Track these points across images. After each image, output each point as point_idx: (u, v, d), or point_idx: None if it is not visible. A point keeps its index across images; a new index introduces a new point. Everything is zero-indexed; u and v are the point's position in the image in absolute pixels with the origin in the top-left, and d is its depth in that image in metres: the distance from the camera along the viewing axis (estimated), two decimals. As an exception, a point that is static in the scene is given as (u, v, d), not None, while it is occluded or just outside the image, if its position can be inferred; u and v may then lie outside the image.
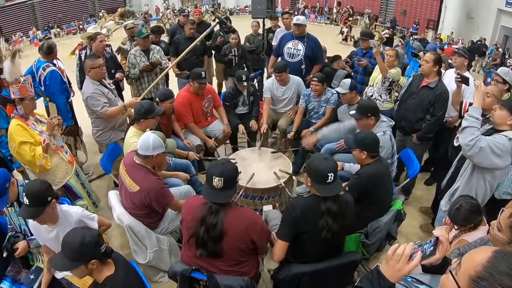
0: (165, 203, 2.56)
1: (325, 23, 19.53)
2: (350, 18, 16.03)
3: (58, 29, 16.92)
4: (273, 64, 4.75)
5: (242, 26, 7.04)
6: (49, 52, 3.74)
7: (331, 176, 1.95)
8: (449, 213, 2.18)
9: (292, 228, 2.04)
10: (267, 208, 2.88)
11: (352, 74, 4.78)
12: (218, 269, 2.03)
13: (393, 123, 3.13)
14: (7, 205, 2.38)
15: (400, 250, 1.19)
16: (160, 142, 2.49)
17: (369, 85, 4.23)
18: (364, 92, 4.31)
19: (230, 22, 5.68)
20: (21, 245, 2.34)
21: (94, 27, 6.90)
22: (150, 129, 2.78)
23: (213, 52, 5.72)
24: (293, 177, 3.31)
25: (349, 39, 14.70)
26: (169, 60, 4.84)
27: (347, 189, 2.54)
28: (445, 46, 9.46)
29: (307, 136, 3.82)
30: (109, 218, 2.64)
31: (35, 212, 2.02)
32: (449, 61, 4.54)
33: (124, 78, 4.56)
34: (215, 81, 6.18)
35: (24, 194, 2.04)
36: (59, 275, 2.28)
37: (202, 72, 3.75)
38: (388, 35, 11.28)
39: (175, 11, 17.44)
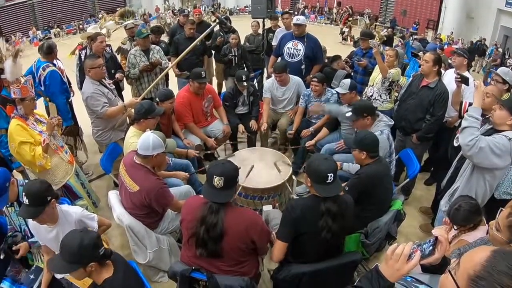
0: (165, 203, 2.56)
1: (325, 23, 19.52)
2: (350, 18, 16.02)
3: (58, 29, 16.90)
4: (273, 64, 4.76)
5: (242, 26, 7.04)
6: (49, 52, 3.74)
7: (331, 176, 1.95)
8: (448, 213, 2.18)
9: (292, 228, 2.04)
10: (267, 208, 2.88)
11: (352, 74, 4.78)
12: (218, 269, 2.03)
13: (392, 122, 3.13)
14: (7, 205, 2.38)
15: (399, 250, 1.20)
16: (160, 142, 2.49)
17: (369, 85, 4.23)
18: (364, 92, 4.30)
19: (230, 22, 5.69)
20: (22, 246, 2.33)
21: (94, 27, 6.90)
22: (150, 129, 2.79)
23: (213, 52, 5.72)
24: (293, 176, 3.32)
25: (348, 39, 14.69)
26: (169, 60, 4.84)
27: (346, 189, 2.54)
28: (445, 46, 9.46)
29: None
30: (109, 218, 2.64)
31: (34, 212, 2.02)
32: (449, 61, 4.54)
33: (124, 78, 4.56)
34: (215, 81, 6.18)
35: (24, 193, 2.04)
36: (59, 275, 2.28)
37: (202, 72, 3.75)
38: (387, 33, 11.29)
39: (175, 11, 17.42)
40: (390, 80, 3.93)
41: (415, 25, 16.19)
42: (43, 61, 3.71)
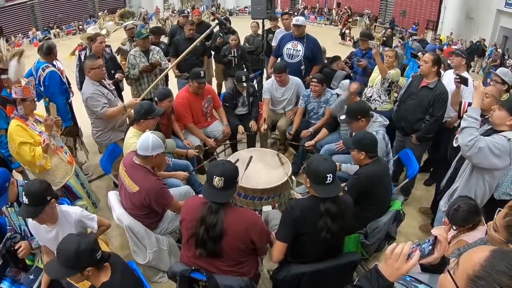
0: (165, 204, 2.56)
1: (325, 24, 19.53)
2: (350, 20, 16.03)
3: (58, 30, 16.89)
4: (272, 64, 4.76)
5: (242, 26, 7.05)
6: (49, 53, 3.74)
7: (330, 177, 1.95)
8: (447, 213, 2.19)
9: (291, 228, 2.04)
10: (267, 208, 2.88)
11: (352, 74, 4.79)
12: (217, 269, 2.03)
13: (387, 122, 3.14)
14: (7, 206, 2.38)
15: (398, 249, 1.20)
16: (159, 143, 2.49)
17: (368, 86, 4.24)
18: (364, 93, 4.31)
19: (230, 23, 5.69)
20: (23, 245, 2.33)
21: (93, 27, 6.89)
22: (150, 130, 2.79)
23: (213, 52, 5.72)
24: (293, 177, 3.32)
25: (347, 39, 14.70)
26: (169, 61, 4.85)
27: (346, 189, 2.55)
28: (445, 47, 9.47)
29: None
30: (108, 219, 2.64)
31: (34, 211, 2.03)
32: (448, 61, 4.55)
33: (124, 79, 4.56)
34: (214, 81, 6.19)
35: (23, 193, 2.04)
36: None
37: (201, 72, 3.75)
38: (385, 37, 11.31)
39: (175, 12, 17.43)
40: (389, 80, 3.94)
41: (414, 26, 16.22)
42: (42, 62, 3.71)
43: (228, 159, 3.09)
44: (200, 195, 2.07)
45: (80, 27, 17.40)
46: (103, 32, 5.59)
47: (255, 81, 5.56)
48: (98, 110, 3.34)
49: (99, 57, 3.64)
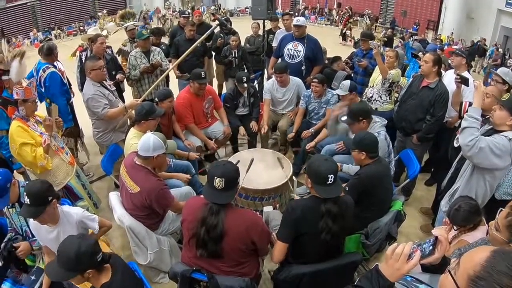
0: (166, 204, 2.57)
1: (325, 24, 19.53)
2: (350, 20, 16.02)
3: (59, 31, 16.91)
4: (273, 65, 4.76)
5: (243, 27, 7.05)
6: (49, 54, 3.75)
7: (331, 177, 1.95)
8: (448, 213, 2.19)
9: (292, 229, 2.04)
10: (268, 209, 2.88)
11: (352, 75, 4.78)
12: (218, 269, 2.03)
13: (385, 122, 3.13)
14: (8, 206, 2.39)
15: (399, 249, 1.20)
16: (160, 143, 2.49)
17: (369, 86, 4.24)
18: (364, 93, 4.31)
19: (230, 24, 5.68)
20: (22, 245, 2.34)
21: (94, 28, 6.91)
22: (151, 130, 2.79)
23: (214, 53, 5.72)
24: (294, 177, 3.32)
25: (348, 39, 14.69)
26: (170, 61, 4.85)
27: (346, 189, 2.55)
28: (445, 47, 9.46)
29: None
30: (109, 219, 2.65)
31: (35, 212, 2.03)
32: (449, 61, 4.55)
33: (125, 80, 4.57)
34: (215, 82, 6.19)
35: (25, 193, 2.05)
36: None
37: (202, 72, 3.76)
38: (386, 38, 11.30)
39: (175, 13, 17.45)
40: (390, 81, 3.94)
41: (415, 26, 16.20)
42: (43, 63, 3.72)
43: (229, 160, 3.09)
44: (201, 196, 2.07)
45: (81, 28, 17.42)
46: (104, 33, 5.61)
47: (255, 82, 5.56)
48: (99, 111, 3.35)
49: (100, 58, 3.65)
